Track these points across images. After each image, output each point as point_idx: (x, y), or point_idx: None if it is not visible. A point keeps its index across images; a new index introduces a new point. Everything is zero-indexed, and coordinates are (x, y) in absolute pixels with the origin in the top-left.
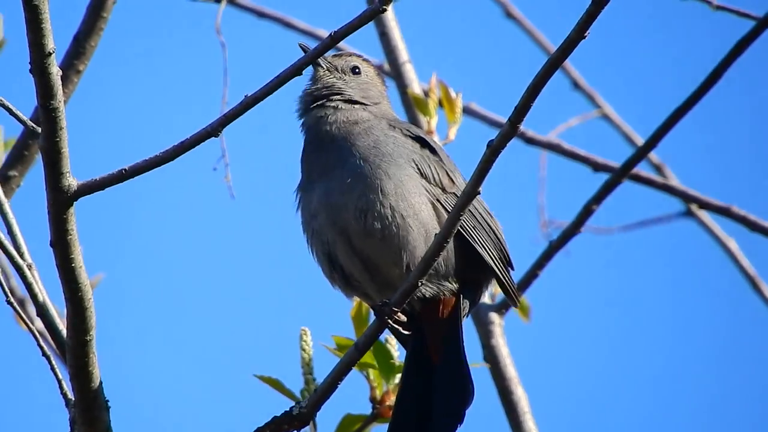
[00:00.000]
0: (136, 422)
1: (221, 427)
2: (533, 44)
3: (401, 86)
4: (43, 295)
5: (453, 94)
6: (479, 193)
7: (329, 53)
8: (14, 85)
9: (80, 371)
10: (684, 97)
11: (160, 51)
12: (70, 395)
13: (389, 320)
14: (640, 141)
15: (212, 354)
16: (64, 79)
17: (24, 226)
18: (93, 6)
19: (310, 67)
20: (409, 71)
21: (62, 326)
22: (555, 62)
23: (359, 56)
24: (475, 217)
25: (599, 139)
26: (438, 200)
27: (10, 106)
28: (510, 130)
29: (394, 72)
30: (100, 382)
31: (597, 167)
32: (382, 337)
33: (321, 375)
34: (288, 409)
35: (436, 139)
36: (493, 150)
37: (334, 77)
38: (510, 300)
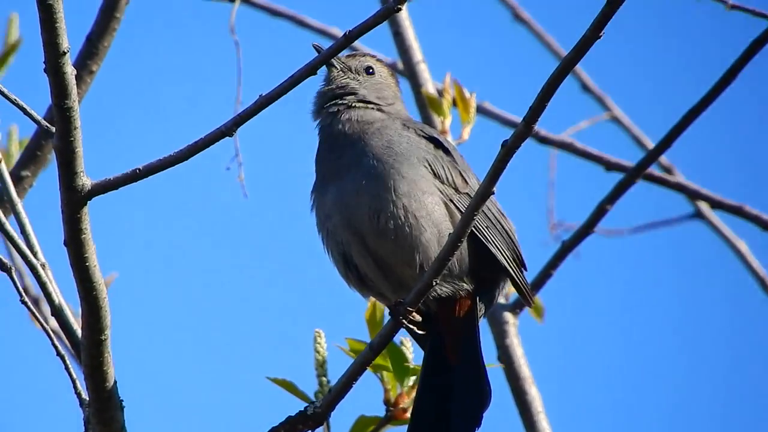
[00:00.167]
0: (150, 422)
1: (235, 427)
2: (542, 47)
3: (415, 86)
4: (57, 294)
5: (467, 94)
6: (493, 193)
7: (343, 53)
8: (28, 85)
9: (95, 371)
10: (695, 99)
11: (173, 51)
12: (85, 395)
13: (404, 320)
14: (650, 143)
15: (226, 355)
16: (78, 79)
17: (37, 225)
18: (106, 6)
19: (324, 68)
20: (423, 71)
21: (77, 326)
22: (570, 62)
23: (373, 56)
24: (488, 217)
25: (609, 141)
26: (451, 200)
27: (25, 106)
28: (525, 129)
29: (407, 72)
30: (115, 382)
31: (609, 166)
32: (396, 339)
33: (335, 377)
34: (302, 409)
35: (449, 139)
36: (508, 150)
37: (348, 77)
38: (524, 300)
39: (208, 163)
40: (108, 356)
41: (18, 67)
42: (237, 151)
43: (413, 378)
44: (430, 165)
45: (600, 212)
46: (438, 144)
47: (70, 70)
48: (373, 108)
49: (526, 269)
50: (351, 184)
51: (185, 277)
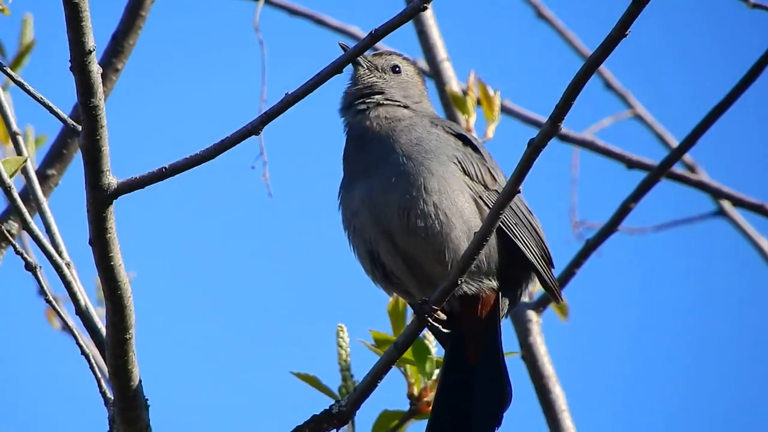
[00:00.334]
0: (174, 421)
1: (259, 426)
2: (565, 44)
3: (439, 84)
4: (82, 293)
5: (491, 92)
6: (519, 192)
7: (369, 52)
8: (43, 85)
9: (119, 370)
10: (717, 96)
11: (197, 49)
12: (109, 394)
13: (429, 319)
14: (673, 141)
15: (250, 352)
16: (103, 77)
17: (61, 224)
18: (132, 4)
19: (350, 66)
20: (447, 69)
21: (101, 325)
22: (596, 61)
23: (399, 55)
24: (516, 214)
25: (632, 139)
26: (480, 197)
27: (51, 105)
28: (551, 128)
29: (432, 70)
30: (140, 381)
31: (631, 164)
32: (419, 334)
33: (358, 372)
34: (327, 408)
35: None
36: (534, 148)
37: (375, 76)
38: (553, 297)
39: (232, 161)
40: (132, 355)
41: (33, 68)
42: (262, 149)
43: (437, 371)
44: (459, 162)
45: (624, 210)
46: (466, 141)
47: (96, 69)
48: (400, 106)
49: (554, 267)
50: (379, 182)
51: (209, 275)
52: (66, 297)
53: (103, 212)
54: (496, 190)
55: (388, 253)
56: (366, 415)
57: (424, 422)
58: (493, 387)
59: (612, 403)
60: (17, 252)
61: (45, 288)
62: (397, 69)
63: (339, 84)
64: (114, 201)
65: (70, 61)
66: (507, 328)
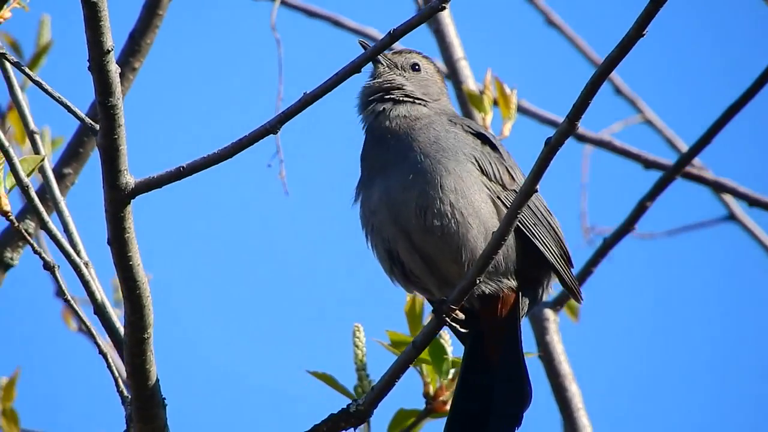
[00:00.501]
0: (191, 420)
1: (275, 425)
2: (575, 51)
3: (456, 83)
4: (100, 293)
5: (508, 90)
6: (536, 191)
7: (389, 50)
8: (60, 86)
9: (137, 369)
10: (726, 100)
11: (215, 48)
12: (127, 393)
13: (447, 318)
14: (683, 146)
15: (266, 351)
16: (120, 76)
17: (77, 223)
18: (149, 3)
19: (370, 65)
20: (464, 68)
21: (119, 324)
22: (614, 60)
23: (419, 53)
24: (535, 214)
25: (642, 144)
26: (498, 197)
27: (69, 104)
28: (568, 127)
29: (448, 69)
30: (157, 380)
31: (648, 165)
32: (437, 333)
33: (374, 372)
34: (345, 407)
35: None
36: (551, 147)
37: (394, 74)
38: (573, 296)
39: (249, 160)
40: (150, 354)
41: (50, 68)
42: (278, 148)
43: (453, 371)
44: (477, 161)
45: (640, 209)
46: (485, 140)
47: (114, 68)
48: (419, 104)
49: (572, 266)
50: (397, 180)
51: (225, 274)
52: (82, 297)
53: (122, 212)
54: (515, 190)
55: (406, 252)
56: (381, 415)
57: (440, 421)
58: (512, 386)
59: (628, 402)
60: (35, 251)
61: (63, 287)
62: (417, 67)
63: (356, 83)
64: (132, 200)
65: (88, 60)
66: (524, 326)
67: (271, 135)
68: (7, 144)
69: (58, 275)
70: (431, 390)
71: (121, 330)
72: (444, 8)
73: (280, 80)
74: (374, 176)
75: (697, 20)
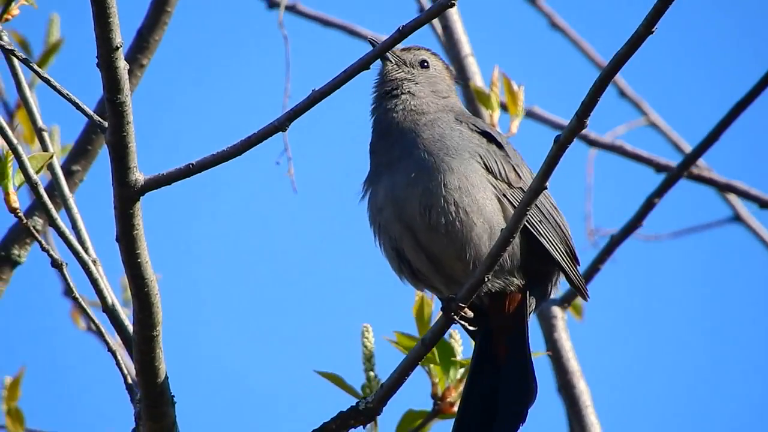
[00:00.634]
0: (200, 418)
1: (283, 423)
2: (579, 54)
3: (463, 79)
4: (108, 290)
5: (515, 87)
6: (546, 188)
7: (398, 47)
8: (69, 85)
9: (146, 367)
10: (731, 101)
11: (223, 45)
12: (136, 390)
13: (456, 317)
14: (688, 148)
15: (274, 350)
16: (129, 73)
17: (86, 221)
18: (157, 0)
19: (379, 62)
20: (472, 64)
21: (128, 322)
22: (622, 57)
23: (427, 50)
24: (541, 211)
25: (647, 146)
26: (504, 195)
27: (77, 101)
28: (577, 124)
29: (456, 65)
30: (166, 377)
31: (659, 168)
32: (446, 331)
33: (382, 371)
34: (354, 405)
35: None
36: (561, 145)
37: (403, 71)
38: (579, 294)
39: (257, 157)
40: (159, 352)
41: (59, 67)
42: (286, 145)
43: (461, 371)
44: (482, 159)
45: (648, 206)
46: (491, 138)
47: (122, 65)
48: (427, 101)
49: (579, 264)
50: (402, 177)
51: (233, 272)
52: (92, 300)
53: (130, 209)
54: (521, 188)
55: (412, 250)
56: (389, 415)
57: (448, 422)
58: (518, 384)
59: (635, 400)
60: (43, 248)
61: (71, 285)
62: (426, 64)
63: (363, 80)
64: (141, 197)
65: (96, 57)
66: (532, 324)
67: (280, 132)
68: (15, 141)
69: (66, 272)
70: (439, 391)
71: (130, 328)
72: (453, 4)
73: (287, 78)
74: (381, 172)
75: (703, 23)
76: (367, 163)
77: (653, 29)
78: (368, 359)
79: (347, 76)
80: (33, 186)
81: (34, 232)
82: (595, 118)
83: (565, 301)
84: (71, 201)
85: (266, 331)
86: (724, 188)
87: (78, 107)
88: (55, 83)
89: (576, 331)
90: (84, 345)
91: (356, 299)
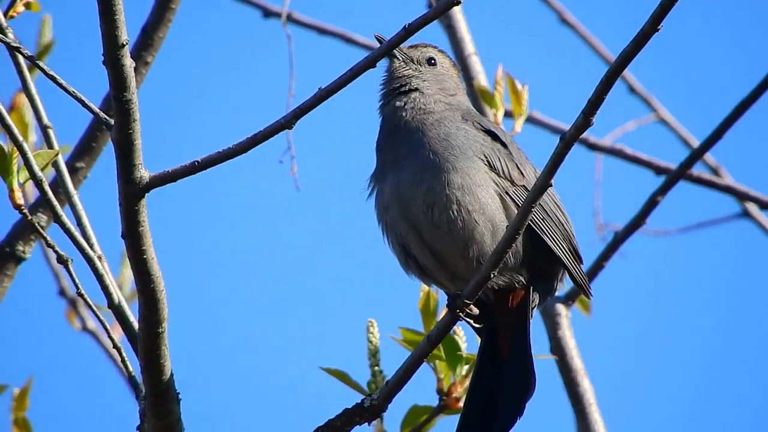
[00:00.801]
0: (205, 415)
1: (288, 420)
2: (588, 49)
3: (467, 78)
4: (114, 287)
5: (519, 86)
6: (551, 185)
7: (405, 45)
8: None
9: (151, 364)
10: (741, 96)
11: (228, 42)
12: (141, 387)
13: (461, 313)
14: (697, 144)
15: (279, 347)
16: (134, 71)
17: (90, 218)
18: None
19: (386, 59)
20: (475, 63)
21: (133, 318)
22: (628, 55)
23: (435, 47)
24: (544, 209)
25: (656, 143)
26: (507, 193)
27: (83, 98)
28: (583, 122)
29: (459, 64)
30: (171, 375)
31: (659, 171)
32: (452, 327)
33: (388, 367)
34: (359, 401)
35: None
36: (566, 143)
37: (410, 68)
38: (582, 292)
39: (261, 155)
40: (165, 349)
41: (51, 67)
42: (290, 143)
43: (466, 367)
44: (486, 158)
45: (651, 204)
46: (495, 137)
47: (128, 63)
48: (434, 99)
49: (582, 261)
50: (407, 176)
51: (237, 269)
52: (92, 293)
53: (136, 206)
54: (524, 186)
55: (417, 247)
56: (395, 410)
57: (453, 418)
58: (518, 377)
59: (640, 398)
60: (48, 244)
61: (76, 281)
62: (433, 61)
63: (369, 78)
64: (146, 194)
65: (102, 54)
66: (536, 321)
67: (285, 130)
68: (21, 138)
69: (71, 269)
70: (445, 386)
71: (136, 324)
72: (459, 3)
73: (291, 76)
74: (387, 169)
75: (711, 18)
76: (370, 161)
77: (659, 27)
78: (373, 354)
79: (354, 74)
80: (38, 183)
81: (39, 228)
82: (603, 114)
83: (569, 299)
84: (76, 198)
85: (271, 328)
86: (723, 190)
87: (84, 105)
88: (62, 81)
89: (584, 327)
90: (81, 345)
91: (360, 296)
